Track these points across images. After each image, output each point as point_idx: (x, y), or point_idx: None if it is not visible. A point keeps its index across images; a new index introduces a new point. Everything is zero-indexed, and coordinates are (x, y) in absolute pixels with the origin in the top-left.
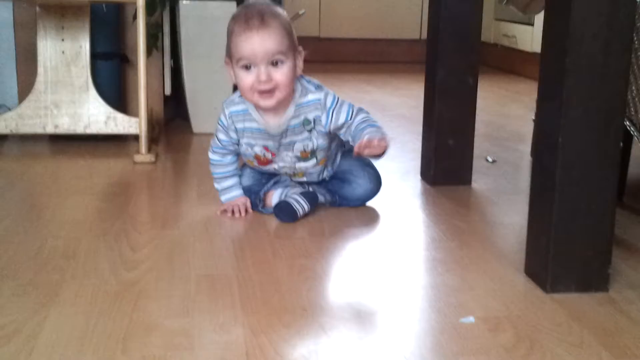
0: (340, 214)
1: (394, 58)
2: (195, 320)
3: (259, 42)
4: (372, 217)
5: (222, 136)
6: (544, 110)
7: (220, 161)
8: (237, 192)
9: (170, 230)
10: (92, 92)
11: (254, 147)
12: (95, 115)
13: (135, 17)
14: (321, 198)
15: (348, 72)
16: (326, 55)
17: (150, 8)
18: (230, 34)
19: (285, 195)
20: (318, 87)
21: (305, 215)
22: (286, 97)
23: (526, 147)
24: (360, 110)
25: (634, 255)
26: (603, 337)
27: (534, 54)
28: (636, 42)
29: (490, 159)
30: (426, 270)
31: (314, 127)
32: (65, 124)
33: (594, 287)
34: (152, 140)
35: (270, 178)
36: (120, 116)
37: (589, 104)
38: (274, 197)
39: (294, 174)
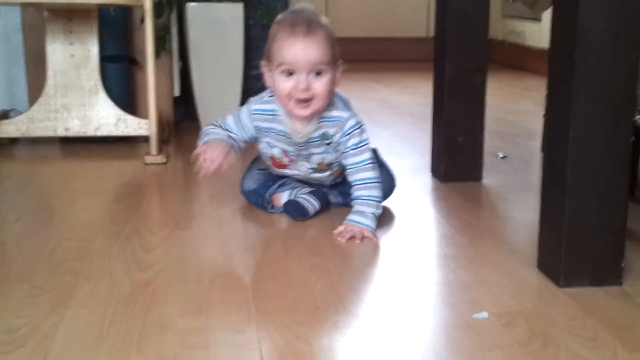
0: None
1: (402, 56)
2: (209, 320)
3: (303, 50)
4: (383, 215)
5: (233, 127)
6: (553, 106)
7: (213, 128)
8: (220, 137)
9: (182, 231)
10: (102, 94)
11: (273, 148)
12: (105, 117)
13: (143, 19)
14: (333, 199)
15: (356, 71)
16: None
17: (158, 10)
18: (273, 38)
19: (295, 196)
20: (345, 105)
21: (316, 213)
22: (322, 108)
23: (536, 143)
24: (365, 149)
25: None
26: (617, 331)
27: (542, 50)
28: None
29: (500, 155)
30: (438, 267)
31: (331, 142)
32: (75, 127)
33: (607, 281)
34: (163, 142)
35: (277, 180)
36: (130, 118)
37: (598, 99)
38: (283, 198)
39: (305, 182)
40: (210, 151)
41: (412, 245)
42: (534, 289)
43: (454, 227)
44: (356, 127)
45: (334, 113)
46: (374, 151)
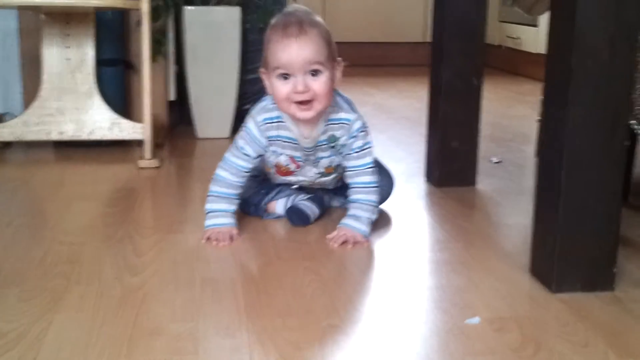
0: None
1: (398, 61)
2: (200, 325)
3: (297, 51)
4: (377, 219)
5: (247, 149)
6: (548, 111)
7: (225, 179)
8: (226, 220)
9: (174, 235)
10: (97, 98)
11: (279, 156)
12: (99, 121)
13: (139, 23)
14: (336, 203)
15: (352, 76)
16: None
17: (155, 14)
18: (267, 43)
19: (294, 202)
20: (350, 107)
21: (317, 219)
22: (325, 108)
23: (531, 148)
24: (367, 153)
25: (639, 255)
26: (609, 336)
27: (538, 55)
28: None
29: (495, 160)
30: (431, 271)
31: (337, 144)
32: (70, 131)
33: (600, 286)
34: (157, 146)
35: (271, 188)
36: (124, 122)
37: (594, 104)
38: (278, 205)
39: (310, 187)
40: (219, 233)
41: (406, 249)
42: (526, 294)
43: (447, 231)
44: (362, 130)
45: (341, 115)
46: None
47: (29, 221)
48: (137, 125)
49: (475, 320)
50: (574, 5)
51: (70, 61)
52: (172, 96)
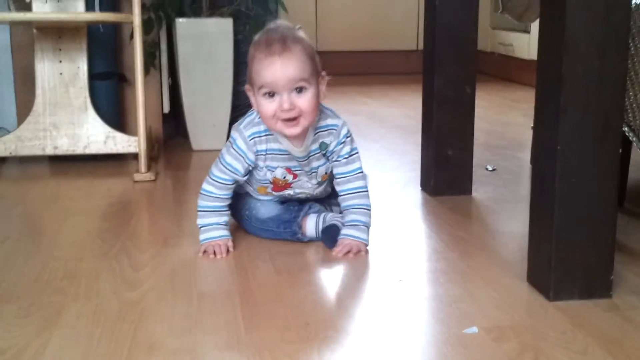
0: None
1: (391, 69)
2: (198, 339)
3: (281, 69)
4: (372, 229)
5: (234, 164)
6: (541, 118)
7: (212, 193)
8: (220, 232)
9: (171, 249)
10: (91, 112)
11: (275, 171)
12: (94, 135)
13: (132, 36)
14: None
15: (345, 85)
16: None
17: (147, 27)
18: (251, 60)
19: (324, 220)
20: (335, 114)
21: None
22: (311, 124)
23: (526, 155)
24: (356, 158)
25: (636, 261)
26: (607, 344)
27: (531, 61)
28: (632, 48)
29: (490, 168)
30: (428, 281)
31: (328, 151)
32: (64, 145)
33: (597, 293)
34: (152, 159)
35: (297, 204)
36: (119, 135)
37: (587, 110)
38: (308, 223)
39: (306, 198)
40: (215, 246)
41: (402, 259)
42: (523, 302)
43: (443, 241)
44: (348, 135)
45: (328, 121)
46: None
47: (25, 237)
48: (132, 138)
49: (473, 330)
50: (564, 12)
51: (64, 75)
52: (166, 108)
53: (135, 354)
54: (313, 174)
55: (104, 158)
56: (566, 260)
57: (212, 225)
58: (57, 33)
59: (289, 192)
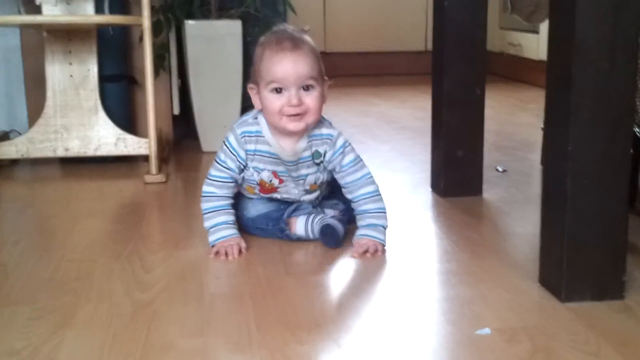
0: (351, 228)
1: (400, 70)
2: (210, 340)
3: (292, 65)
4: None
5: (228, 162)
6: (551, 119)
7: (213, 194)
8: (230, 231)
9: (182, 250)
10: (101, 114)
11: (261, 173)
12: (105, 137)
13: (141, 38)
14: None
15: (354, 86)
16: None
17: (156, 29)
18: (259, 58)
19: (314, 221)
20: (331, 125)
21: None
22: (314, 123)
23: (536, 156)
24: (363, 164)
25: None
26: (620, 345)
27: (540, 61)
28: None
29: (500, 169)
30: (440, 283)
31: (323, 161)
32: (75, 147)
33: (609, 295)
34: (162, 160)
35: (287, 204)
36: (129, 137)
37: (597, 111)
38: (298, 223)
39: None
40: (228, 247)
41: (413, 261)
42: (535, 304)
43: (454, 242)
44: (347, 145)
45: (323, 131)
46: None
47: (37, 239)
48: (142, 140)
49: (486, 331)
50: (573, 13)
51: (74, 78)
52: (176, 110)
53: (148, 354)
54: (301, 181)
55: (115, 160)
56: (578, 262)
57: (220, 225)
58: (67, 36)
59: (275, 195)
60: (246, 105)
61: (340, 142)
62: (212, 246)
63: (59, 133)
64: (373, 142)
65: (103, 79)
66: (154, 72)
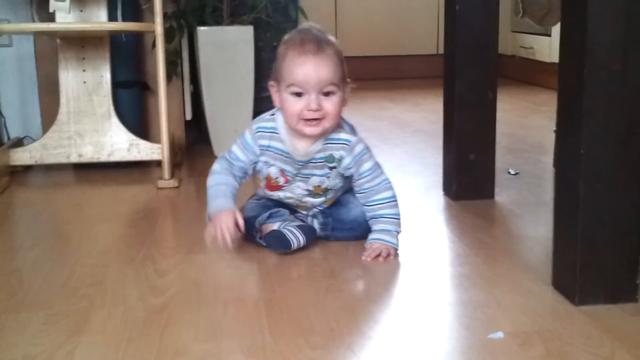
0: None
1: (412, 74)
2: (223, 344)
3: (314, 69)
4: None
5: (239, 154)
6: (564, 122)
7: (220, 172)
8: (225, 201)
9: (195, 255)
10: (114, 120)
11: (270, 167)
12: (118, 143)
13: (154, 45)
14: (319, 232)
15: (367, 90)
16: None
17: (168, 36)
18: (281, 58)
19: (282, 228)
20: (352, 130)
21: (300, 248)
22: (331, 128)
23: (548, 159)
24: (382, 171)
25: None
26: (635, 348)
27: (552, 64)
28: None
29: (512, 172)
30: (452, 286)
31: (336, 166)
32: (88, 153)
33: (623, 297)
34: (175, 166)
35: (268, 209)
36: (142, 143)
37: (610, 113)
38: (272, 228)
39: (298, 205)
40: (219, 223)
41: (426, 264)
42: (549, 307)
43: (467, 245)
44: (365, 152)
45: (342, 135)
46: None
47: (51, 244)
48: (155, 145)
49: (499, 335)
50: (585, 16)
51: (87, 84)
52: (188, 116)
53: (162, 359)
54: (306, 179)
55: (128, 165)
56: (591, 265)
57: (217, 198)
58: (80, 42)
59: (279, 194)
60: (258, 110)
61: (358, 148)
62: (207, 226)
63: (72, 139)
64: (385, 145)
65: (116, 85)
66: (166, 78)
